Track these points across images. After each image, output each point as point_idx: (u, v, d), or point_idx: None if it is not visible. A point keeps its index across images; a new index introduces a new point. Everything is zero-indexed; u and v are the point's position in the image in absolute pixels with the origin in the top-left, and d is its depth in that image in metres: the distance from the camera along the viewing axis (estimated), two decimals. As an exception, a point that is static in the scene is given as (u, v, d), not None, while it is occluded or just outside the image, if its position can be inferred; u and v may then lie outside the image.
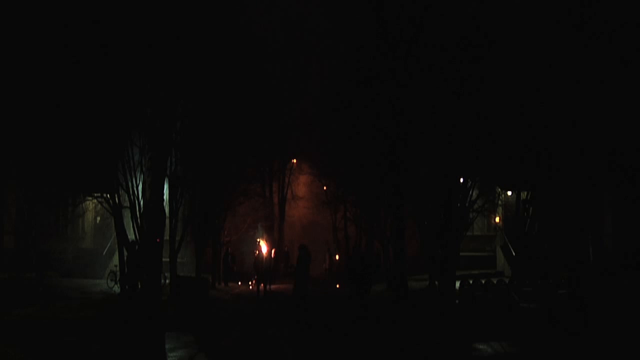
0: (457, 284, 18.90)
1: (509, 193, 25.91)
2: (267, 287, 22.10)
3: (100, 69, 16.11)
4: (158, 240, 15.63)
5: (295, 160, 36.23)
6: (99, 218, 29.31)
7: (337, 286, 26.09)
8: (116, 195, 18.43)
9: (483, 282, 19.13)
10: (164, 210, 16.40)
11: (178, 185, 20.69)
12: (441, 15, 17.47)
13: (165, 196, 16.77)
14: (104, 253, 27.28)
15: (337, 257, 32.75)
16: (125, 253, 18.85)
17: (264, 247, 23.01)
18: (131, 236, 18.53)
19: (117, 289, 21.17)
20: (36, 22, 16.67)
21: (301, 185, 35.92)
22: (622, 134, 18.36)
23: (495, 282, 19.08)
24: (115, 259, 22.54)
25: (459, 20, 17.09)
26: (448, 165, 17.38)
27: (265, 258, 22.60)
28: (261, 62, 25.47)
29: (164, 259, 17.45)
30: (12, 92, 17.18)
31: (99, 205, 22.49)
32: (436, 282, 18.97)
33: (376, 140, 19.84)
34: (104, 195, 18.89)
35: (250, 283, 26.28)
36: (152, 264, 15.54)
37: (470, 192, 18.13)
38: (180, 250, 22.06)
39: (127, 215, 18.70)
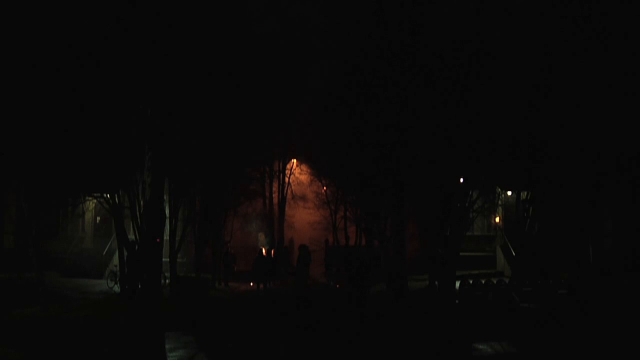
0: (457, 284, 18.89)
1: (509, 193, 25.90)
2: (268, 286, 22.11)
3: (100, 68, 16.10)
4: (158, 240, 15.58)
5: (295, 160, 36.20)
6: (99, 218, 29.30)
7: (337, 286, 26.07)
8: (116, 195, 18.45)
9: (483, 282, 19.15)
10: (164, 210, 16.38)
11: (178, 185, 20.68)
12: (440, 16, 17.46)
13: (166, 196, 16.76)
14: (104, 253, 27.26)
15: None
16: (125, 253, 18.87)
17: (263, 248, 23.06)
18: (131, 236, 18.53)
19: (117, 289, 21.17)
20: (38, 23, 16.66)
21: (301, 185, 35.84)
22: (622, 135, 18.36)
23: (495, 282, 19.09)
24: (115, 259, 22.55)
25: (458, 22, 17.07)
26: (448, 165, 17.37)
27: (265, 258, 22.63)
28: (261, 61, 25.44)
29: (164, 259, 17.42)
30: (13, 92, 17.17)
31: (99, 205, 22.52)
32: (436, 282, 18.96)
33: (376, 141, 19.81)
34: (104, 195, 18.90)
35: (251, 284, 26.26)
36: (152, 264, 15.49)
37: (470, 192, 18.12)
38: (180, 250, 22.05)
39: (127, 215, 18.71)
